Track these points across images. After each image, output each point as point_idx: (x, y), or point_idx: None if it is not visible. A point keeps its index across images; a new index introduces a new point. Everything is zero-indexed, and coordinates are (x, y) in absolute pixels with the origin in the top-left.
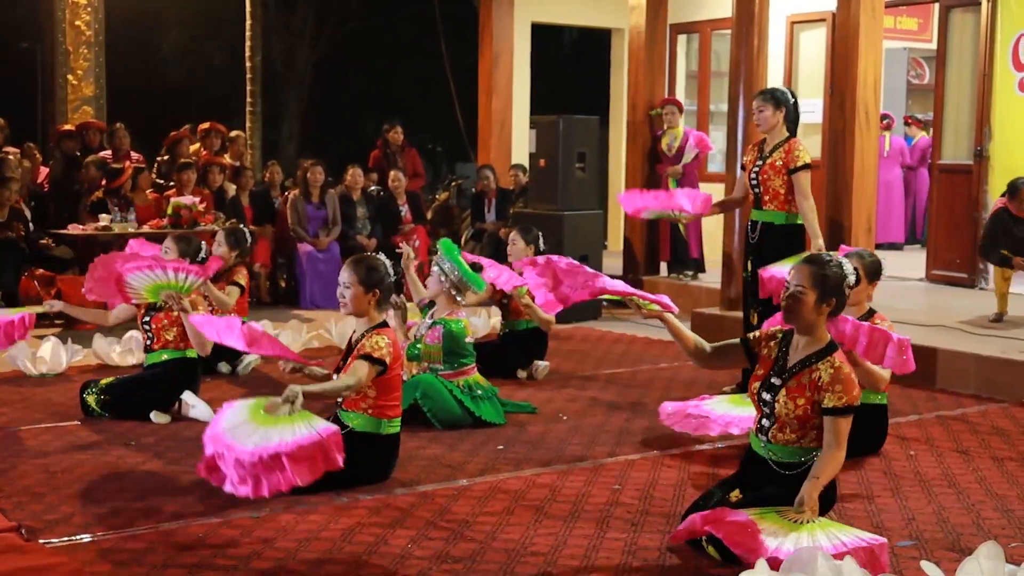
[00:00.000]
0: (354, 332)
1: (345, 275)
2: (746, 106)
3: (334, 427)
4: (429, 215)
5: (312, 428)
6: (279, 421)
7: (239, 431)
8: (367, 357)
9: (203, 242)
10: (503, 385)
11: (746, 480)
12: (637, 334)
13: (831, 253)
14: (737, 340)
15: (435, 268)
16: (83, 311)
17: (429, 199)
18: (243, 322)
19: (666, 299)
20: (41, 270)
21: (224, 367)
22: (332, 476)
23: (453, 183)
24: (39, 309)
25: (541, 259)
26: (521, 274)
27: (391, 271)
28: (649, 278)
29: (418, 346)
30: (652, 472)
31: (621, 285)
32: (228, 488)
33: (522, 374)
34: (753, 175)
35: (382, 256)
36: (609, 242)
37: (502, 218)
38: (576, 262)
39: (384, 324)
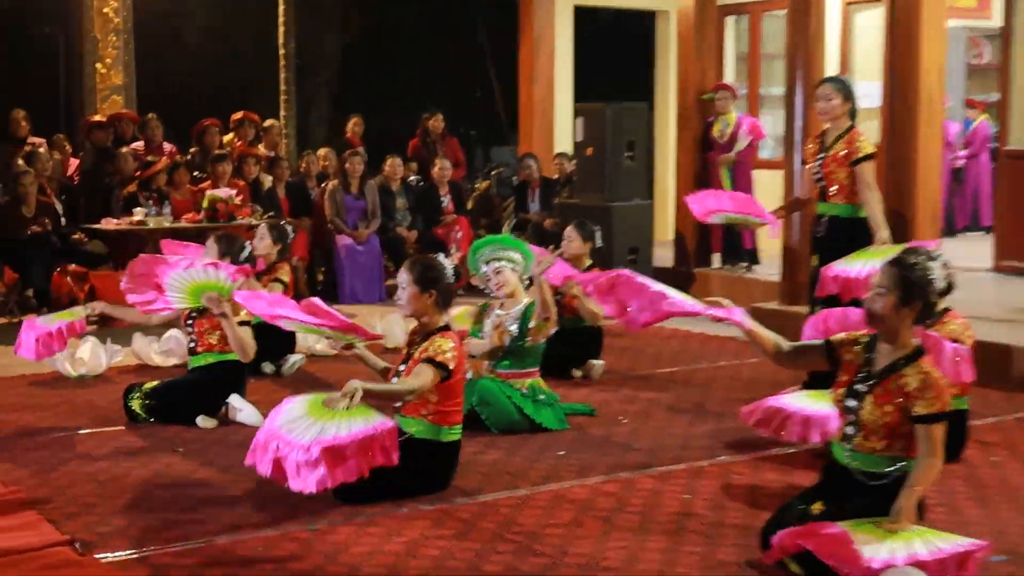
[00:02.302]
0: (415, 334)
1: (402, 275)
2: (804, 92)
3: (391, 422)
4: (469, 205)
5: (369, 423)
6: (336, 415)
7: (296, 426)
8: (431, 361)
9: (247, 242)
10: (556, 385)
11: (828, 491)
12: (692, 330)
13: (921, 250)
14: (820, 341)
15: (487, 268)
16: (124, 310)
17: (469, 188)
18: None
19: (738, 314)
20: (74, 266)
21: (268, 367)
22: (391, 485)
23: (493, 172)
24: (80, 312)
25: (607, 276)
26: (587, 292)
27: (450, 272)
28: (701, 270)
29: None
30: (722, 479)
31: (690, 304)
32: (293, 485)
33: (577, 374)
34: (816, 168)
35: (441, 257)
36: (658, 233)
37: (546, 208)
38: (643, 280)
39: (447, 327)
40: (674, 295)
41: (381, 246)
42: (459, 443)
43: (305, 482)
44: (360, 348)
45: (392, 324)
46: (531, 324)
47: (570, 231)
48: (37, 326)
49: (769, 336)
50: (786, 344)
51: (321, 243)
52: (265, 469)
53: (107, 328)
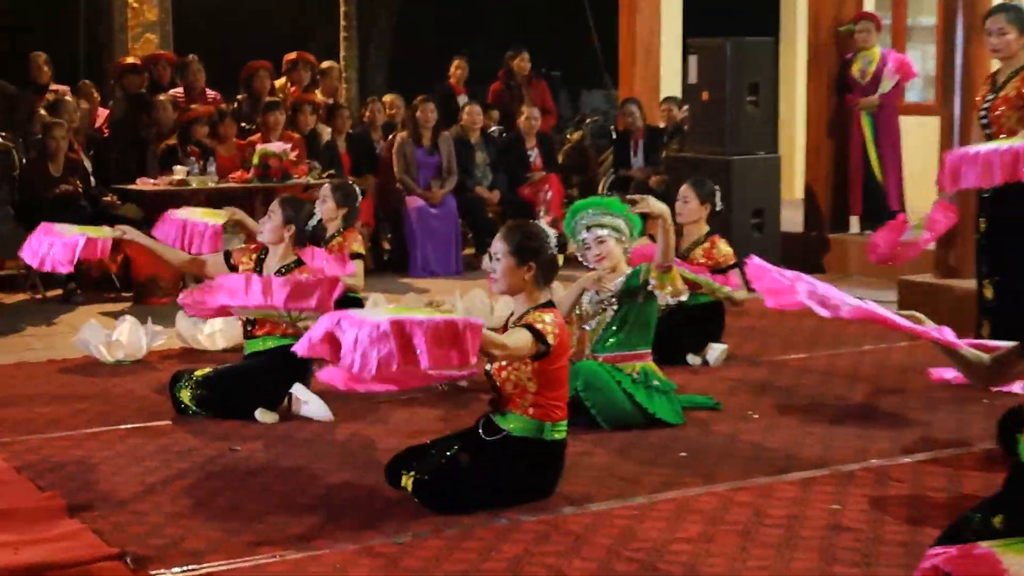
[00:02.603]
0: (511, 314)
1: (496, 244)
2: (966, 23)
3: (479, 320)
4: (560, 160)
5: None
6: (416, 310)
7: (367, 313)
8: (529, 327)
9: (315, 207)
10: (671, 373)
11: (1012, 500)
12: None
13: None
14: (1015, 345)
15: (587, 235)
16: (157, 245)
17: (559, 140)
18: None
19: (949, 333)
20: None
21: None
22: (487, 492)
23: (588, 120)
24: (107, 232)
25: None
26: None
27: (553, 240)
28: (837, 236)
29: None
30: (876, 487)
31: (881, 310)
32: (346, 360)
33: (694, 360)
34: (983, 112)
35: (543, 223)
36: (786, 191)
37: (652, 163)
38: (818, 285)
39: (550, 304)
40: (848, 299)
41: (458, 209)
42: (565, 443)
43: (364, 358)
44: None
45: (474, 301)
46: (651, 281)
47: (685, 191)
48: (53, 231)
49: (968, 353)
50: (985, 357)
51: (388, 206)
52: (315, 339)
53: (144, 304)
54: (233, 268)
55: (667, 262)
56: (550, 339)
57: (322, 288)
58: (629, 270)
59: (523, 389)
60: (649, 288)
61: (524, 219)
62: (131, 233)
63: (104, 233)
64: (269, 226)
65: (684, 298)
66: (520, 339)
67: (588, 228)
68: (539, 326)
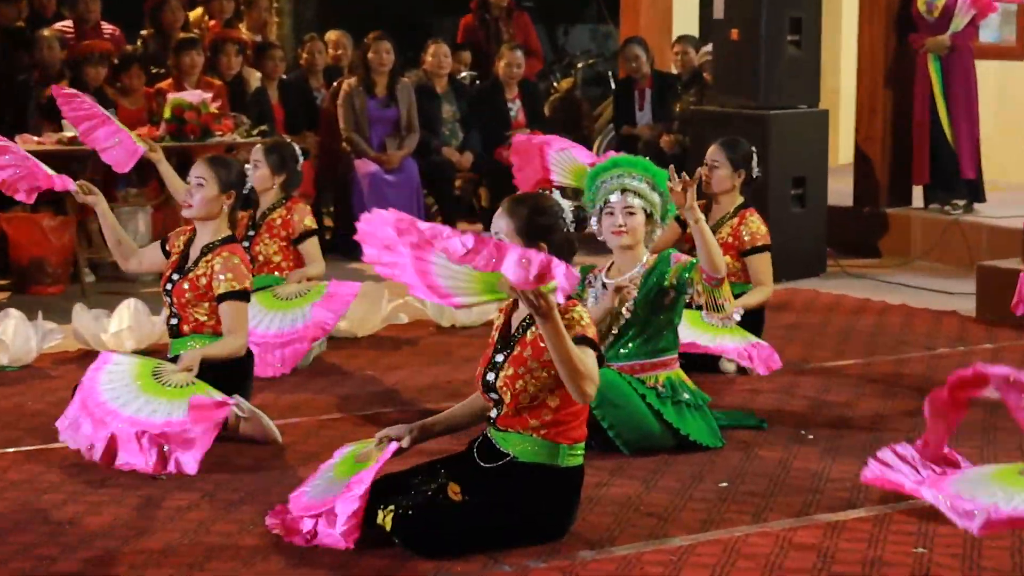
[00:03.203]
0: (511, 309)
1: (499, 222)
2: None
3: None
4: (546, 113)
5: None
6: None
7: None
8: (585, 340)
9: (245, 166)
10: (701, 383)
11: None
12: (889, 299)
13: None
14: None
15: (619, 198)
16: (116, 229)
17: (544, 89)
18: None
19: None
20: None
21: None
22: (486, 530)
23: (578, 64)
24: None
25: None
26: None
27: (568, 215)
28: (895, 211)
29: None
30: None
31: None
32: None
33: (729, 366)
34: None
35: (557, 195)
36: (836, 153)
37: (662, 119)
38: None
39: (567, 297)
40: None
41: (420, 175)
42: (582, 470)
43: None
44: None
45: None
46: (693, 291)
47: (715, 154)
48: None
49: None
50: None
51: (332, 171)
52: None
53: (27, 295)
54: (167, 255)
55: (718, 273)
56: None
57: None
58: (652, 259)
59: (541, 403)
60: (689, 297)
61: (532, 192)
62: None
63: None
64: (199, 197)
65: (737, 319)
66: (591, 362)
67: (623, 191)
68: (591, 333)
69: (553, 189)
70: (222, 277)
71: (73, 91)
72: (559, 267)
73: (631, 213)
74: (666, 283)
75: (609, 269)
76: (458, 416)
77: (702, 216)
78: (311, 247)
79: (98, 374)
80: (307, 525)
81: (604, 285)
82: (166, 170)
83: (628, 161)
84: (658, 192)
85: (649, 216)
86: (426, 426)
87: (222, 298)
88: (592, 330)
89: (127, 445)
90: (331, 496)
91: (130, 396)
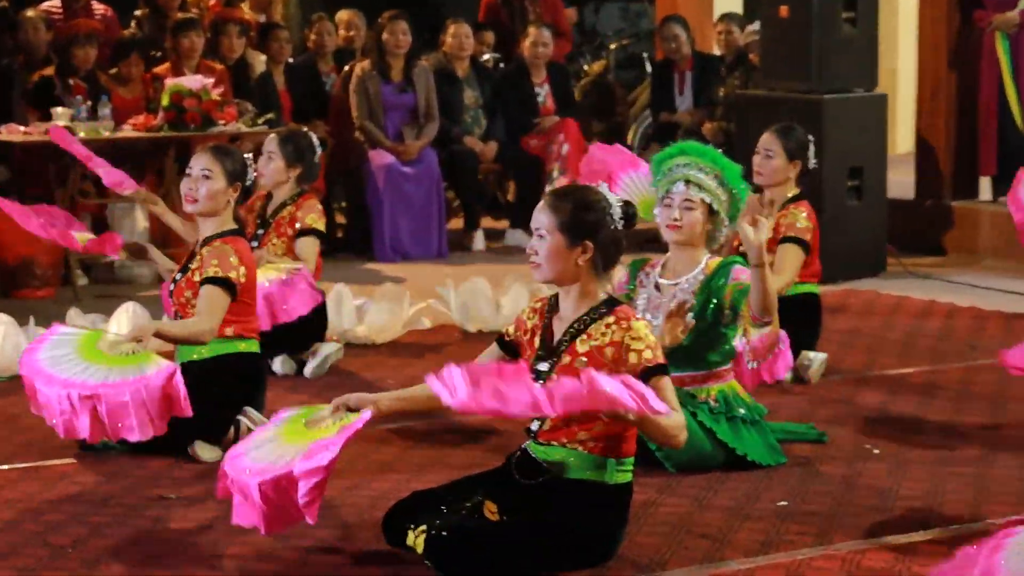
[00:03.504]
0: (543, 316)
1: (540, 217)
2: None
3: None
4: (577, 98)
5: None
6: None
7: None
8: (663, 368)
9: (247, 157)
10: (755, 392)
11: None
12: (956, 301)
13: None
14: None
15: (683, 189)
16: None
17: (574, 72)
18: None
19: None
20: None
21: (284, 365)
22: (524, 553)
23: (611, 45)
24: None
25: None
26: None
27: (617, 211)
28: (961, 204)
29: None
30: None
31: None
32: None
33: (785, 375)
34: None
35: (604, 189)
36: (895, 142)
37: (705, 104)
38: None
39: (614, 302)
40: None
41: (440, 167)
42: (631, 487)
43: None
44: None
45: (474, 296)
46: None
47: (769, 142)
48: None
49: None
50: None
51: (343, 163)
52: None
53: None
54: None
55: (766, 316)
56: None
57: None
58: (713, 264)
59: (592, 416)
60: (729, 323)
61: (576, 185)
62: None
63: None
64: (205, 190)
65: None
66: (677, 416)
67: (687, 182)
68: (657, 356)
69: (600, 184)
70: (209, 263)
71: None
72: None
73: (689, 208)
74: (724, 302)
75: (664, 267)
76: (422, 400)
77: (767, 260)
78: (305, 246)
79: (40, 345)
80: (253, 492)
81: (657, 286)
82: (171, 221)
83: (696, 149)
84: (726, 188)
85: (712, 213)
86: (397, 399)
87: (203, 283)
88: (657, 351)
89: (61, 407)
90: (283, 462)
91: (69, 363)
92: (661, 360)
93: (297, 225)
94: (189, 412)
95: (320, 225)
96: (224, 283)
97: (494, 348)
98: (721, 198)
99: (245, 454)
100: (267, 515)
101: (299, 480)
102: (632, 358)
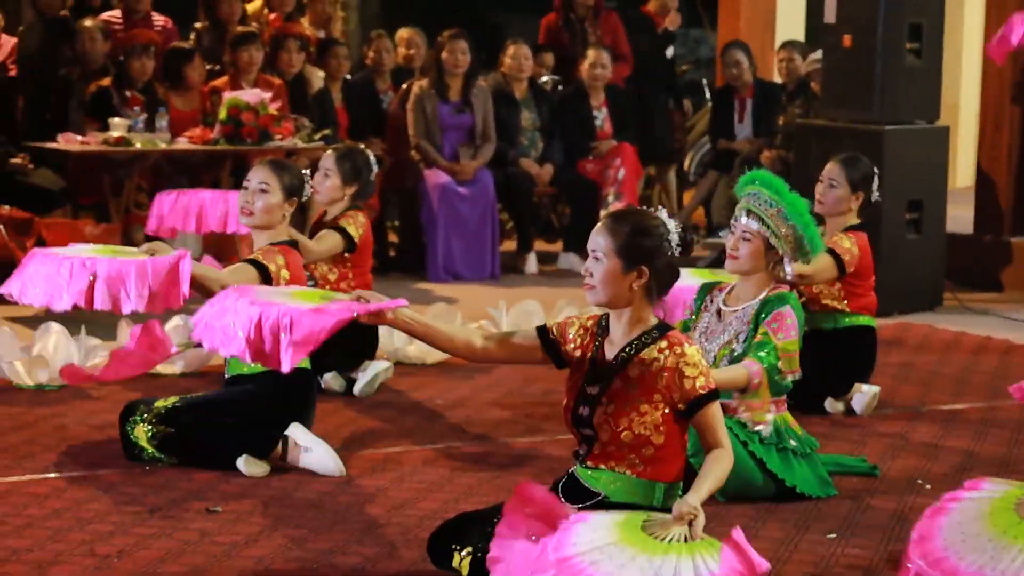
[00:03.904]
0: (594, 336)
1: (597, 240)
2: None
3: None
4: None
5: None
6: (670, 549)
7: (605, 557)
8: (714, 394)
9: (305, 173)
10: (807, 424)
11: None
12: (1012, 338)
13: None
14: None
15: (745, 221)
16: (214, 275)
17: (633, 95)
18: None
19: None
20: (9, 208)
21: (334, 382)
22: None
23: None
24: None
25: None
26: None
27: (674, 236)
28: (1020, 240)
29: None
30: None
31: None
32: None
33: (836, 407)
34: None
35: (663, 214)
36: (955, 176)
37: (765, 132)
38: None
39: (665, 327)
40: None
41: (496, 188)
42: None
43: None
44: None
45: (528, 317)
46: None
47: (833, 171)
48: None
49: None
50: None
51: (399, 182)
52: None
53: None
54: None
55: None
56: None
57: None
58: (772, 294)
59: (644, 440)
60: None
61: (632, 208)
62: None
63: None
64: (261, 204)
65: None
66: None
67: (748, 212)
68: (708, 384)
69: (659, 208)
70: (251, 253)
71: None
72: None
73: (746, 239)
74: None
75: (731, 292)
76: (442, 336)
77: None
78: (323, 238)
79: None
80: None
81: (719, 312)
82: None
83: (765, 180)
84: (788, 223)
85: (770, 247)
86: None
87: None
88: (709, 378)
89: (56, 275)
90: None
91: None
92: (713, 386)
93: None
94: (184, 295)
95: (351, 231)
96: (258, 265)
97: (531, 332)
98: (780, 231)
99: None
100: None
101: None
102: (686, 384)
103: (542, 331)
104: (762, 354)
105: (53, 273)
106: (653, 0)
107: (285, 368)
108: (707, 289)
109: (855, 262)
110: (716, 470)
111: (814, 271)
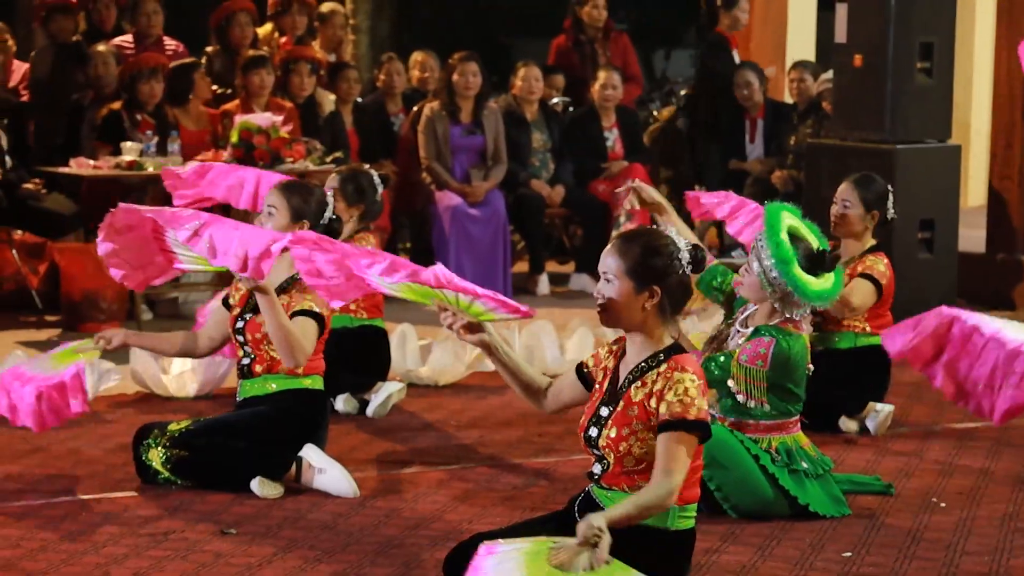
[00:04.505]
0: (616, 358)
1: (608, 261)
2: None
3: None
4: (646, 143)
5: None
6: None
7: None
8: (682, 424)
9: (327, 193)
10: (821, 443)
11: None
12: None
13: None
14: None
15: (749, 257)
16: (157, 339)
17: (644, 117)
18: None
19: None
20: (21, 232)
21: (346, 404)
22: None
23: (681, 91)
24: (88, 347)
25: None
26: None
27: (685, 256)
28: None
29: (720, 361)
30: None
31: None
32: None
33: (850, 426)
34: None
35: (673, 233)
36: (967, 195)
37: (776, 152)
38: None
39: (678, 349)
40: None
41: (507, 210)
42: (694, 533)
43: None
44: (492, 333)
45: (538, 338)
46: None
47: (846, 192)
48: (27, 376)
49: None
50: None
51: (410, 204)
52: None
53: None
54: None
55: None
56: (708, 419)
57: None
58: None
59: (648, 465)
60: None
61: (644, 226)
62: (119, 338)
63: (87, 353)
64: (268, 228)
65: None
66: (679, 455)
67: (753, 249)
68: (693, 414)
69: (669, 226)
70: (304, 298)
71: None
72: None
73: (747, 271)
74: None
75: (747, 321)
76: (525, 374)
77: None
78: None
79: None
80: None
81: (738, 329)
82: (144, 341)
83: (769, 215)
84: (768, 249)
85: (767, 280)
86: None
87: (295, 314)
88: (690, 409)
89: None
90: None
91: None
92: (688, 417)
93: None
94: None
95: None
96: (316, 317)
97: (571, 374)
98: (769, 274)
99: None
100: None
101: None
102: (661, 407)
103: (578, 369)
104: (717, 361)
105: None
106: (724, 17)
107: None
108: (739, 304)
109: (890, 285)
110: (638, 498)
111: (861, 302)
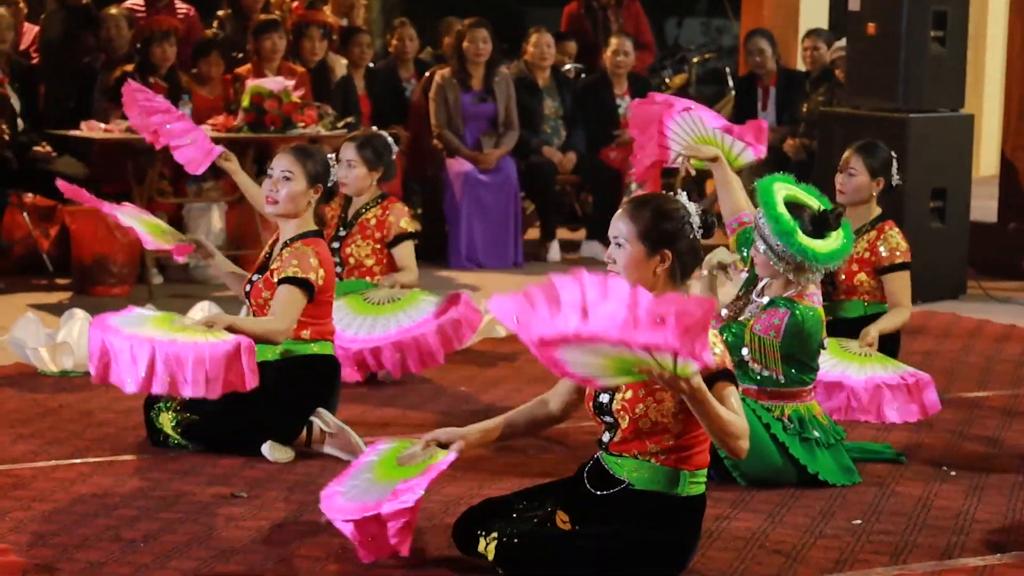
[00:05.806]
0: None
1: (619, 226)
2: None
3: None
4: None
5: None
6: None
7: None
8: (725, 374)
9: (329, 157)
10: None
11: None
12: None
13: None
14: None
15: (757, 238)
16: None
17: (656, 84)
18: None
19: None
20: (33, 195)
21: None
22: (597, 564)
23: (694, 59)
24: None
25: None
26: None
27: (695, 220)
28: None
29: (733, 330)
30: None
31: None
32: None
33: None
34: None
35: (683, 198)
36: (979, 164)
37: (789, 121)
38: None
39: None
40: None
41: (519, 177)
42: (704, 499)
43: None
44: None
45: None
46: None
47: (851, 160)
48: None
49: None
50: None
51: (421, 170)
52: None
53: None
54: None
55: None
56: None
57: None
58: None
59: (662, 428)
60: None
61: (656, 193)
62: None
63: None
64: (285, 192)
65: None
66: (741, 421)
67: (755, 230)
68: (729, 364)
69: (679, 192)
70: (289, 264)
71: (141, 87)
72: (703, 349)
73: (757, 247)
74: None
75: (764, 290)
76: (517, 424)
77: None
78: (405, 252)
79: (113, 315)
80: (347, 530)
81: (754, 299)
82: (243, 180)
83: (762, 192)
84: (773, 240)
85: (769, 252)
86: (483, 431)
87: (281, 282)
88: (723, 357)
89: (120, 357)
90: (372, 501)
91: (138, 326)
92: (727, 367)
93: (389, 230)
94: (252, 383)
95: (411, 227)
96: (303, 284)
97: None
98: (776, 249)
99: (341, 494)
100: (365, 546)
101: (387, 522)
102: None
103: None
104: (731, 329)
105: (113, 352)
106: None
107: (405, 554)
108: (745, 288)
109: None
110: None
111: (908, 295)
